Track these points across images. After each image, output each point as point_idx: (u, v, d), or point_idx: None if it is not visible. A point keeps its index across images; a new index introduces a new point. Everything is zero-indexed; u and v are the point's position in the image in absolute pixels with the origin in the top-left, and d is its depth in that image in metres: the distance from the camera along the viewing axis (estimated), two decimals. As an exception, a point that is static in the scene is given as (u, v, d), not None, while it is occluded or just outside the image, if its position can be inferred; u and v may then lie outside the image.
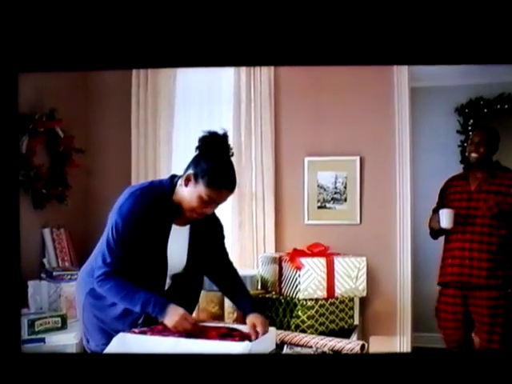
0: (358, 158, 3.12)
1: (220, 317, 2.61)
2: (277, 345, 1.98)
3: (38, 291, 2.71)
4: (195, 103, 3.36)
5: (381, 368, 1.84)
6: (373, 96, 3.11)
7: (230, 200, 3.20)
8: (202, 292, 2.62)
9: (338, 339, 2.06)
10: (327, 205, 3.16)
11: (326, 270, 2.56)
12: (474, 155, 2.79)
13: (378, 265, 2.97)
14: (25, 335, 2.40)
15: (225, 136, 1.89)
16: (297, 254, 2.62)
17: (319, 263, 2.55)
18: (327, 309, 2.55)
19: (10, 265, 1.88)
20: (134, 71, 3.32)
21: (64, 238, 3.12)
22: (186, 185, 1.87)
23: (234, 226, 3.22)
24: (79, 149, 3.20)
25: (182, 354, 1.77)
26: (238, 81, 3.26)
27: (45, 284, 2.73)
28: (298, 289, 2.52)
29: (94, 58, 1.93)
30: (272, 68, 3.19)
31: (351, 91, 3.12)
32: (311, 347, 2.01)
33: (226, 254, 2.14)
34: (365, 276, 2.67)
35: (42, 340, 2.45)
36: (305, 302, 2.50)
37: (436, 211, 2.80)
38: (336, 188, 3.15)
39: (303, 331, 2.42)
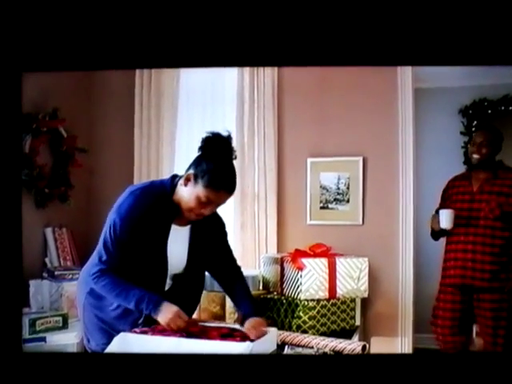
0: (360, 159, 3.12)
1: (221, 317, 2.61)
2: (278, 345, 1.98)
3: (40, 290, 2.72)
4: (198, 104, 3.36)
5: (382, 369, 1.83)
6: (376, 97, 3.10)
7: (233, 200, 3.22)
8: (204, 292, 2.62)
9: (340, 340, 2.05)
10: (329, 205, 3.15)
11: (327, 271, 2.56)
12: (476, 156, 2.76)
13: (380, 265, 2.97)
14: (26, 334, 2.40)
15: (228, 138, 1.88)
16: (299, 254, 2.62)
17: (321, 264, 2.55)
18: (329, 309, 2.54)
19: (12, 264, 1.88)
20: (138, 71, 3.33)
21: (66, 237, 3.12)
22: (186, 185, 1.87)
23: (236, 227, 3.22)
24: (82, 148, 3.21)
25: (183, 354, 1.77)
26: (241, 81, 3.26)
27: (46, 283, 2.74)
28: (299, 289, 2.52)
29: (98, 57, 1.93)
30: (275, 69, 3.19)
31: (354, 92, 3.11)
32: (312, 348, 2.00)
33: (230, 251, 2.12)
34: (367, 277, 2.67)
35: (43, 339, 2.46)
36: (306, 303, 2.50)
37: (437, 212, 2.78)
38: (338, 189, 3.14)
39: (305, 332, 2.42)
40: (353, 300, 2.67)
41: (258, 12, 1.88)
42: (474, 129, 3.97)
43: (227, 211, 3.22)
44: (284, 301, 2.57)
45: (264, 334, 1.87)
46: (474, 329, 2.84)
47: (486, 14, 1.82)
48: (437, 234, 2.80)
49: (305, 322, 2.49)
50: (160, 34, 1.91)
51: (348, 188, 3.13)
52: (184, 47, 1.92)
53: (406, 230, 3.03)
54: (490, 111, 4.01)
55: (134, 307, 1.82)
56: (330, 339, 2.06)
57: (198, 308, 2.48)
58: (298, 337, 2.09)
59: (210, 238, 2.03)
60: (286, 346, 2.02)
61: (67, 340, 2.50)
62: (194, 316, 2.19)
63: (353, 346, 2.01)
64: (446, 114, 4.04)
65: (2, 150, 1.88)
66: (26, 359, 1.88)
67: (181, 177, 1.92)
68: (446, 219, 2.67)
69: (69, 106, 3.14)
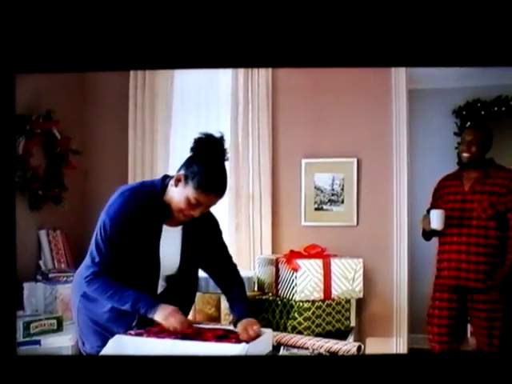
0: (355, 160, 3.12)
1: (216, 318, 2.61)
2: (273, 346, 1.98)
3: (34, 293, 2.71)
4: (193, 105, 3.36)
5: (377, 369, 1.84)
6: (370, 98, 3.12)
7: (227, 202, 3.22)
8: (199, 294, 2.62)
9: (335, 341, 2.05)
10: (324, 206, 3.16)
11: (322, 272, 2.56)
12: (465, 155, 2.73)
13: (375, 266, 2.97)
14: (20, 337, 2.39)
15: (221, 139, 1.86)
16: (293, 255, 2.62)
17: (316, 265, 2.55)
18: (324, 310, 2.55)
19: (6, 266, 1.87)
20: (132, 73, 3.32)
21: (60, 239, 3.11)
22: (176, 185, 1.86)
23: (230, 228, 3.22)
24: (76, 150, 3.20)
25: (178, 355, 1.76)
26: (235, 82, 3.26)
27: (41, 286, 2.73)
28: (294, 290, 2.52)
29: (92, 59, 1.92)
30: (270, 70, 3.19)
31: (349, 93, 3.12)
32: (308, 349, 2.00)
33: (225, 249, 2.11)
34: (361, 277, 2.68)
35: (38, 342, 2.45)
36: (301, 304, 2.50)
37: (429, 212, 2.78)
38: (333, 190, 3.15)
39: (300, 333, 2.42)
40: (348, 301, 2.67)
41: (252, 13, 1.88)
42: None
43: (222, 212, 3.22)
44: (279, 302, 2.57)
45: (257, 334, 1.87)
46: (468, 328, 2.84)
47: (479, 16, 1.83)
48: (428, 234, 2.78)
49: (300, 323, 2.49)
50: (154, 36, 1.90)
51: (342, 189, 3.14)
52: (178, 48, 1.92)
53: (401, 230, 3.03)
54: (483, 112, 4.02)
55: (129, 308, 1.81)
56: (325, 340, 2.06)
57: (193, 309, 2.48)
58: (293, 338, 2.09)
59: (204, 238, 2.01)
60: (282, 347, 2.02)
61: (62, 343, 2.49)
62: (189, 317, 2.19)
63: (348, 346, 2.01)
64: (439, 114, 4.05)
65: (-5, 151, 1.87)
66: (21, 362, 1.87)
67: (172, 177, 1.90)
68: (436, 220, 2.65)
69: (62, 108, 3.13)
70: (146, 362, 1.80)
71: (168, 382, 1.82)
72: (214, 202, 1.89)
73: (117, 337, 1.81)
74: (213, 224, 2.08)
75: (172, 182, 1.88)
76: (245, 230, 3.21)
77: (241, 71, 3.22)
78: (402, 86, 3.08)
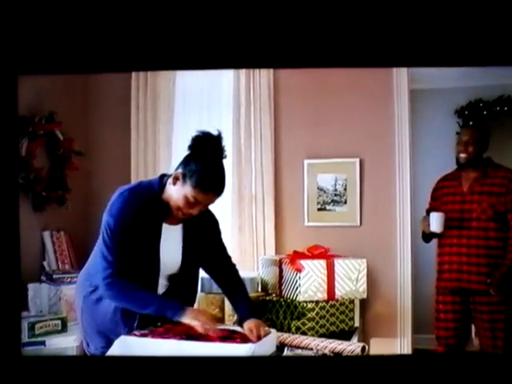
0: (357, 160, 3.12)
1: (220, 319, 2.61)
2: (277, 347, 1.98)
3: (38, 294, 2.71)
4: (195, 106, 3.36)
5: (381, 370, 1.84)
6: (372, 98, 3.11)
7: (230, 203, 3.23)
8: (203, 294, 2.63)
9: (339, 341, 2.05)
10: (327, 207, 3.16)
11: (326, 272, 2.56)
12: (463, 155, 2.71)
13: (379, 267, 2.97)
14: (25, 338, 2.40)
15: (218, 137, 1.86)
16: (297, 256, 2.62)
17: (319, 265, 2.55)
18: (328, 311, 2.54)
19: (10, 268, 1.88)
20: (134, 74, 3.32)
21: (64, 240, 3.11)
22: (174, 184, 1.86)
23: (233, 229, 3.22)
24: (79, 151, 3.20)
25: (183, 356, 1.76)
26: (237, 83, 3.26)
27: (45, 287, 2.73)
28: (298, 291, 2.52)
29: (94, 60, 1.93)
30: (271, 70, 3.20)
31: (351, 93, 3.12)
32: (312, 349, 2.00)
33: (224, 249, 2.11)
34: (365, 278, 2.67)
35: (43, 343, 2.45)
36: (305, 305, 2.50)
37: (428, 213, 2.76)
38: (336, 190, 3.15)
39: (304, 333, 2.42)
40: (351, 301, 2.67)
41: (253, 14, 1.88)
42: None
43: (225, 213, 3.23)
44: (283, 303, 2.57)
45: (265, 334, 1.87)
46: (473, 329, 2.84)
47: (480, 15, 1.83)
48: (427, 236, 2.77)
49: (304, 324, 2.49)
50: (156, 37, 1.91)
51: (345, 189, 3.14)
52: (180, 49, 1.92)
53: (404, 230, 3.03)
54: (485, 112, 4.02)
55: (153, 312, 1.81)
56: (329, 341, 2.06)
57: (196, 310, 2.48)
58: (297, 338, 2.09)
59: (204, 236, 2.02)
60: (286, 348, 2.02)
61: (66, 343, 2.49)
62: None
63: (352, 347, 2.01)
64: (441, 114, 4.05)
65: (-2, 153, 1.88)
66: (26, 363, 1.88)
67: (170, 176, 1.91)
68: (436, 222, 2.64)
69: (65, 109, 3.14)
70: (151, 362, 1.80)
71: (173, 383, 1.82)
72: (212, 201, 1.89)
73: (122, 338, 1.81)
74: (213, 223, 2.08)
75: (170, 180, 1.88)
76: (248, 230, 3.21)
77: (242, 72, 3.23)
78: (403, 86, 3.08)
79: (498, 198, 2.62)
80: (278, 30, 1.88)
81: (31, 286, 2.71)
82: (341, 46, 1.88)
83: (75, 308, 2.15)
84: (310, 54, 1.90)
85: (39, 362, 1.91)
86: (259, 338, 1.83)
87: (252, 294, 2.63)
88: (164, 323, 1.90)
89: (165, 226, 1.92)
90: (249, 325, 1.87)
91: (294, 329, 2.48)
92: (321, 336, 2.37)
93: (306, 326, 2.48)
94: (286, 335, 2.14)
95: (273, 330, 1.99)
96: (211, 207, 2.07)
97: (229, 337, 1.83)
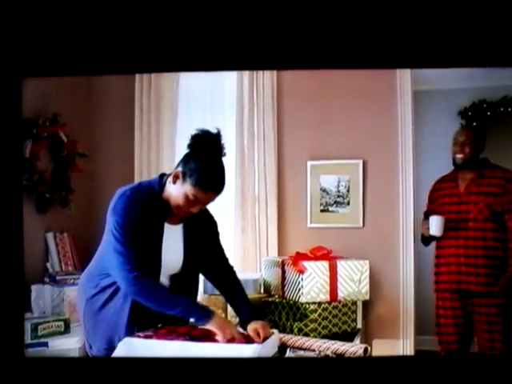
0: (360, 162, 3.12)
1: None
2: (279, 348, 1.98)
3: (41, 295, 2.71)
4: (198, 107, 3.37)
5: (384, 371, 1.84)
6: (375, 99, 3.11)
7: (233, 204, 3.23)
8: (206, 296, 2.63)
9: (341, 342, 2.04)
10: (330, 208, 3.16)
11: (328, 274, 2.56)
12: (459, 156, 2.70)
13: (381, 268, 2.97)
14: (28, 339, 2.40)
15: (217, 135, 1.87)
16: (300, 257, 2.62)
17: (322, 267, 2.55)
18: (330, 312, 2.54)
19: (14, 269, 1.89)
20: (137, 76, 3.33)
21: (67, 242, 3.12)
22: (174, 182, 1.86)
23: (236, 230, 3.23)
24: (82, 153, 3.21)
25: (186, 357, 1.76)
26: (240, 85, 3.27)
27: (48, 288, 2.73)
28: (300, 292, 2.52)
29: (97, 62, 1.94)
30: (274, 72, 3.20)
31: (354, 95, 3.12)
32: (314, 350, 2.00)
33: (222, 251, 2.11)
34: (368, 279, 2.67)
35: (45, 344, 2.46)
36: (308, 306, 2.50)
37: (426, 215, 2.74)
38: (339, 191, 3.15)
39: (306, 335, 2.42)
40: (354, 303, 2.67)
41: (256, 16, 1.88)
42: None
43: (228, 215, 3.24)
44: (285, 304, 2.57)
45: (269, 335, 1.87)
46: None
47: (484, 16, 1.83)
48: (427, 239, 2.76)
49: (306, 325, 2.49)
50: (159, 39, 1.92)
51: (348, 191, 3.13)
52: (183, 51, 1.93)
53: (407, 231, 3.03)
54: (489, 113, 4.01)
55: (179, 313, 1.81)
56: (331, 342, 2.06)
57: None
58: (299, 340, 2.09)
59: (203, 237, 2.02)
60: (288, 349, 2.02)
61: (69, 345, 2.49)
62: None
63: (354, 348, 2.00)
64: (445, 115, 4.04)
65: (2, 154, 1.89)
66: (29, 364, 1.88)
67: (169, 175, 1.91)
68: (436, 226, 2.63)
69: (69, 111, 3.15)
70: (154, 363, 1.81)
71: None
72: (212, 199, 1.90)
73: (126, 339, 1.80)
74: (212, 225, 2.09)
75: (170, 179, 1.89)
76: (251, 232, 3.22)
77: (246, 73, 3.23)
78: (407, 88, 3.08)
79: (494, 198, 2.61)
80: (281, 32, 1.89)
81: (34, 288, 2.71)
82: (344, 47, 1.89)
83: (78, 310, 2.16)
84: (314, 55, 1.90)
85: (42, 364, 1.92)
86: (264, 338, 1.83)
87: (254, 296, 2.63)
88: (164, 324, 1.90)
89: (166, 226, 1.93)
90: (253, 326, 1.87)
91: (296, 330, 2.48)
92: (323, 337, 2.37)
93: (309, 328, 2.48)
94: (288, 336, 2.14)
95: (275, 331, 2.00)
96: (214, 208, 2.07)
97: (232, 337, 1.83)
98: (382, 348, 2.94)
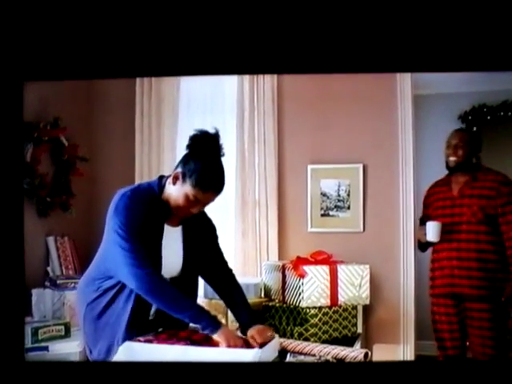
0: (361, 166, 3.12)
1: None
2: (279, 353, 1.98)
3: (42, 299, 2.71)
4: (199, 111, 3.37)
5: (384, 376, 1.84)
6: (376, 104, 3.11)
7: (233, 208, 3.23)
8: (206, 300, 2.63)
9: (342, 347, 2.05)
10: (330, 212, 3.16)
11: (329, 278, 2.56)
12: (452, 158, 2.71)
13: (382, 272, 2.97)
14: (28, 343, 2.40)
15: (216, 135, 1.88)
16: (300, 261, 2.62)
17: (322, 271, 2.55)
18: (330, 317, 2.54)
19: (14, 273, 1.89)
20: (138, 79, 3.33)
21: (68, 246, 3.12)
22: (174, 183, 1.87)
23: (237, 234, 3.22)
24: (83, 157, 3.21)
25: (187, 362, 1.76)
26: (241, 89, 3.27)
27: (49, 292, 2.73)
28: (301, 297, 2.52)
29: (98, 66, 1.94)
30: (275, 76, 3.20)
31: (354, 99, 3.12)
32: (314, 355, 2.00)
33: (221, 254, 2.11)
34: (368, 284, 2.67)
35: (46, 348, 2.46)
36: (308, 310, 2.50)
37: (422, 221, 2.74)
38: (339, 196, 3.15)
39: (306, 339, 2.42)
40: (354, 307, 2.67)
41: (257, 20, 1.89)
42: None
43: (228, 219, 3.24)
44: (286, 308, 2.57)
45: (270, 339, 1.87)
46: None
47: (484, 20, 1.84)
48: (424, 245, 2.76)
49: (307, 330, 2.49)
50: (160, 43, 1.92)
51: (349, 195, 3.13)
52: (184, 55, 1.93)
53: (407, 236, 3.02)
54: (489, 117, 4.01)
55: (187, 318, 1.81)
56: (332, 347, 2.06)
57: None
58: (300, 344, 2.09)
59: (202, 239, 2.03)
60: (288, 354, 2.02)
61: (70, 349, 2.49)
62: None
63: (355, 353, 2.00)
64: (445, 120, 4.04)
65: (3, 158, 1.89)
66: (29, 368, 1.88)
67: (168, 176, 1.92)
68: (432, 232, 2.63)
69: (70, 115, 3.15)
70: (154, 368, 1.81)
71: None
72: (212, 199, 1.90)
73: (127, 344, 1.80)
74: (210, 228, 2.09)
75: (169, 180, 1.89)
76: (251, 236, 3.21)
77: (246, 77, 3.23)
78: (407, 92, 3.08)
79: (488, 200, 2.60)
80: (281, 36, 1.89)
81: (35, 292, 2.71)
82: (344, 51, 1.89)
83: (77, 315, 2.15)
84: (314, 59, 1.91)
85: (42, 368, 1.92)
86: (265, 343, 1.83)
87: (255, 300, 2.63)
88: (165, 329, 1.90)
89: (166, 227, 1.93)
90: (251, 333, 1.87)
91: (296, 335, 2.48)
92: (323, 342, 2.37)
93: (309, 332, 2.48)
94: (288, 341, 2.14)
95: (275, 336, 1.99)
96: (215, 211, 2.08)
97: None
98: (382, 353, 2.93)
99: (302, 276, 2.52)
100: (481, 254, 2.58)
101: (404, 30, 1.87)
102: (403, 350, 2.99)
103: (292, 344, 2.10)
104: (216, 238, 2.11)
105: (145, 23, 1.91)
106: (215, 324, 1.81)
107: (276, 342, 1.96)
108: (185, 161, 1.88)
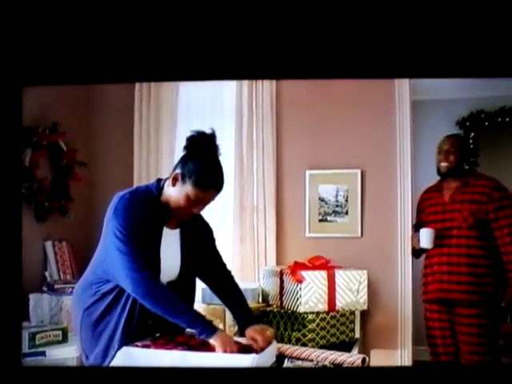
0: (359, 171, 3.13)
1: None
2: (277, 358, 1.98)
3: (40, 304, 2.71)
4: (197, 116, 3.37)
5: (382, 382, 1.83)
6: (374, 109, 3.12)
7: (232, 213, 3.23)
8: (203, 305, 2.63)
9: (339, 353, 2.04)
10: (328, 218, 3.16)
11: (327, 283, 2.56)
12: (444, 164, 2.71)
13: (379, 278, 2.96)
14: (25, 348, 2.39)
15: (212, 135, 1.89)
16: (298, 267, 2.62)
17: (320, 276, 2.55)
18: (328, 322, 2.54)
19: (12, 277, 1.89)
20: (137, 85, 3.34)
21: (66, 251, 3.12)
22: (174, 184, 1.87)
23: (235, 239, 3.22)
24: (82, 162, 3.22)
25: (184, 367, 1.76)
26: (239, 94, 3.27)
27: (46, 297, 2.73)
28: (299, 302, 2.52)
29: (97, 71, 1.95)
30: (274, 82, 3.21)
31: (352, 104, 3.13)
32: (312, 361, 2.00)
33: (219, 256, 2.11)
34: (366, 289, 2.67)
35: (43, 353, 2.45)
36: (306, 316, 2.50)
37: (416, 228, 2.74)
38: (337, 201, 3.15)
39: (304, 345, 2.41)
40: (352, 312, 2.67)
41: (256, 26, 1.90)
42: (471, 141, 3.97)
43: (226, 224, 3.24)
44: (283, 314, 2.57)
45: (270, 338, 1.88)
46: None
47: (482, 27, 1.84)
48: (417, 252, 2.76)
49: (304, 335, 2.48)
50: (159, 48, 1.93)
51: (347, 200, 3.14)
52: (183, 61, 1.94)
53: (405, 241, 3.02)
54: (487, 123, 4.03)
55: (184, 323, 1.80)
56: (329, 352, 2.05)
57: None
58: (297, 350, 2.08)
59: (200, 242, 2.03)
60: (286, 359, 2.02)
61: (67, 354, 2.49)
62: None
63: (352, 358, 2.00)
64: (443, 125, 4.04)
65: (2, 163, 1.89)
66: (26, 373, 1.88)
67: (167, 178, 1.92)
68: (426, 239, 2.64)
69: (68, 120, 3.16)
70: (151, 373, 1.80)
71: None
72: (212, 198, 1.90)
73: (124, 349, 1.80)
74: (207, 231, 2.09)
75: (168, 182, 1.90)
76: (249, 241, 3.21)
77: (245, 83, 3.24)
78: (405, 97, 3.09)
79: (478, 205, 2.60)
80: (280, 42, 1.90)
81: (32, 296, 2.71)
82: (343, 57, 1.90)
83: (73, 321, 2.15)
84: (312, 65, 1.91)
85: (39, 373, 1.91)
86: (266, 342, 1.83)
87: (253, 305, 2.63)
88: (163, 334, 1.90)
89: (165, 230, 1.93)
90: (250, 333, 1.87)
91: (294, 340, 2.48)
92: (321, 347, 2.37)
93: (307, 338, 2.48)
94: (286, 346, 2.13)
95: (273, 341, 1.99)
96: (213, 217, 2.08)
97: None
98: (379, 358, 2.93)
99: (299, 281, 2.52)
100: (471, 259, 2.58)
101: (402, 35, 1.87)
102: (401, 356, 2.99)
103: (290, 349, 2.09)
104: (213, 240, 2.11)
105: (144, 28, 1.92)
106: (211, 329, 1.80)
107: (274, 348, 1.95)
108: (183, 162, 1.88)
